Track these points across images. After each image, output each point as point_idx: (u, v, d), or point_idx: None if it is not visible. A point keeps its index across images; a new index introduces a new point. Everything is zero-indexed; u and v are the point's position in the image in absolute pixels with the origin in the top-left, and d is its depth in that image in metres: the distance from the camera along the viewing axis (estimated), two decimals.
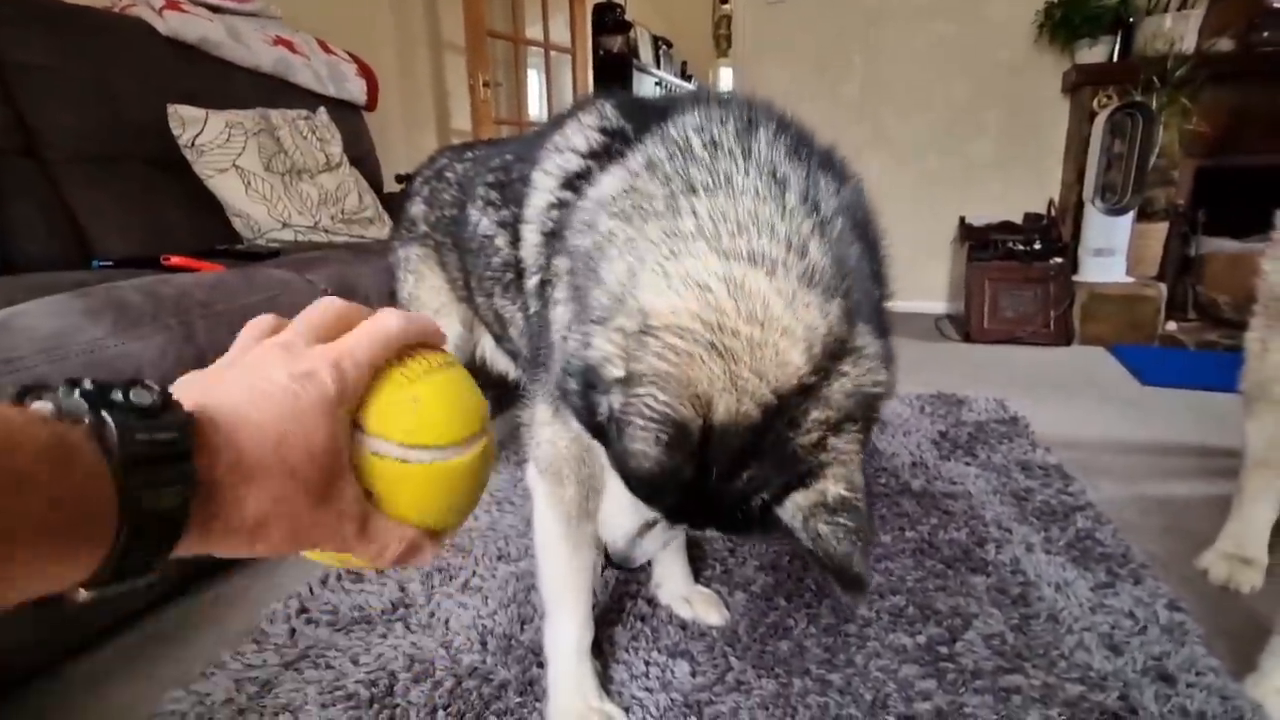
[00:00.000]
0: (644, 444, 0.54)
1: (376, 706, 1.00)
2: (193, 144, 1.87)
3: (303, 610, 1.23)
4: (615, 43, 5.59)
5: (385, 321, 0.39)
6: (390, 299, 1.51)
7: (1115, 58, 3.43)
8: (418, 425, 0.38)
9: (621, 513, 0.71)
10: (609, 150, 0.80)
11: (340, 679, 1.06)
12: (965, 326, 3.45)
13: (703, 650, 1.11)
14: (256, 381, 0.33)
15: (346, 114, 2.63)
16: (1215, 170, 3.43)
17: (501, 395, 1.90)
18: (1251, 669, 1.04)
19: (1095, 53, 3.43)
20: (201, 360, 1.23)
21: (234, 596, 1.33)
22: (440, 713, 0.98)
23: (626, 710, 0.99)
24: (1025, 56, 3.67)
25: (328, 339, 0.37)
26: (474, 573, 1.34)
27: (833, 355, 0.56)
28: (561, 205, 0.84)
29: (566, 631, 0.98)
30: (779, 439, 0.55)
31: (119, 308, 1.11)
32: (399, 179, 2.84)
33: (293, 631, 1.17)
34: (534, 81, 4.52)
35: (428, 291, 1.38)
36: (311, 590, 1.29)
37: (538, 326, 0.90)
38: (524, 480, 1.76)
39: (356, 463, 0.37)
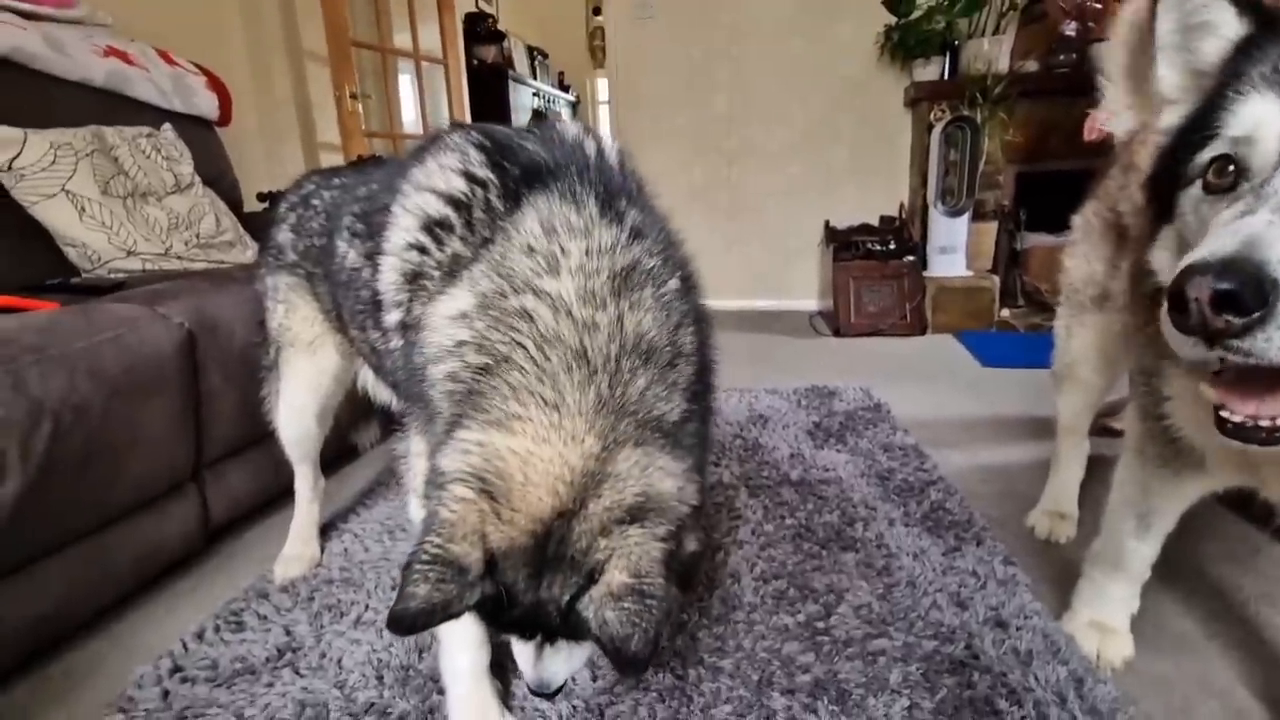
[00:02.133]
0: (419, 587, 0.62)
1: None
2: (9, 167, 1.67)
3: (176, 669, 1.15)
4: (489, 53, 5.53)
5: None
6: (259, 328, 1.43)
7: (946, 76, 3.84)
8: None
9: (514, 643, 0.81)
10: (470, 204, 0.82)
11: None
12: (835, 321, 3.73)
13: (598, 653, 1.15)
14: None
15: (197, 130, 2.45)
16: (1031, 174, 3.92)
17: (384, 423, 1.86)
18: (1067, 608, 1.22)
19: (929, 71, 3.83)
20: (38, 412, 1.12)
21: (91, 666, 1.22)
22: None
23: None
24: (871, 73, 4.03)
25: None
26: (366, 606, 1.31)
27: (585, 487, 0.67)
28: (421, 249, 0.85)
29: (461, 656, 0.99)
30: (557, 552, 0.66)
31: None
32: (261, 197, 2.68)
33: (165, 694, 1.09)
34: (406, 92, 4.39)
35: (300, 322, 1.33)
36: (185, 646, 1.20)
37: (406, 359, 0.91)
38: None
39: None
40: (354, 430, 1.79)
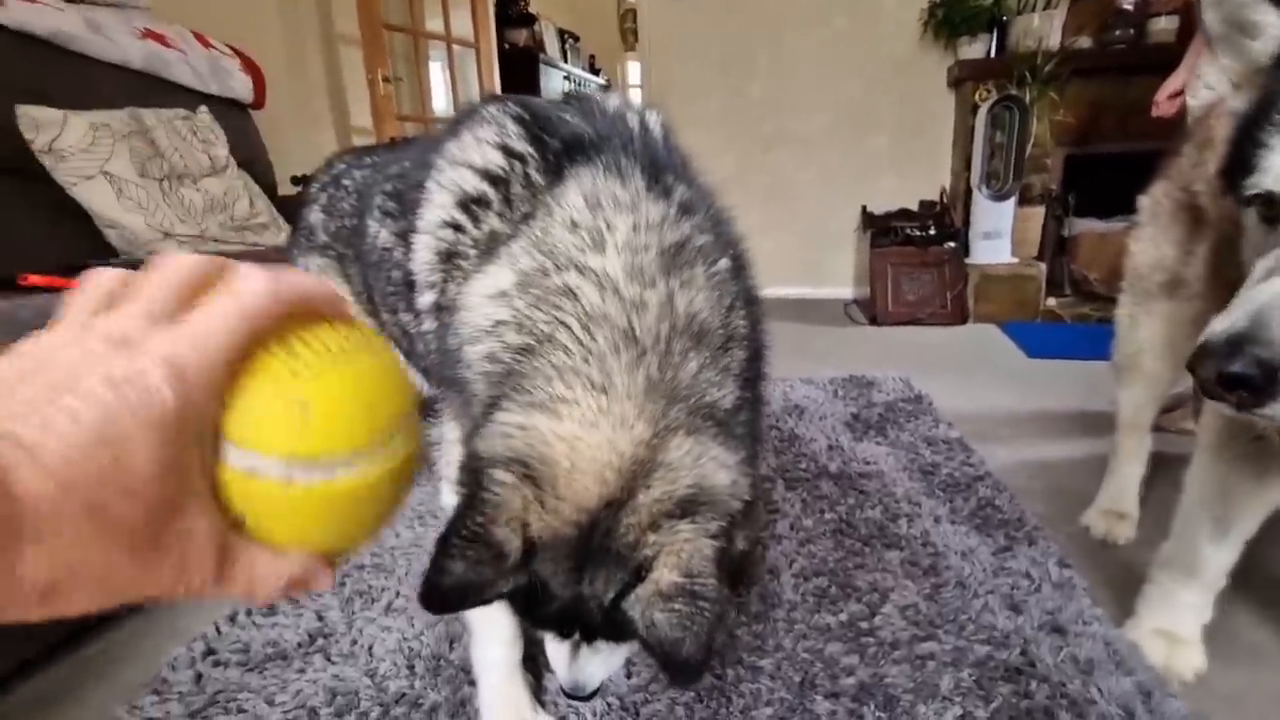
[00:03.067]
0: (455, 563, 0.58)
1: None
2: (50, 149, 1.69)
3: (209, 652, 1.14)
4: (520, 36, 5.49)
5: (249, 288, 0.30)
6: None
7: (992, 54, 3.68)
8: (307, 436, 0.30)
9: (550, 646, 0.79)
10: (508, 179, 0.78)
11: None
12: (871, 310, 3.62)
13: (637, 652, 1.12)
14: (58, 394, 0.25)
15: (232, 113, 2.45)
16: (1082, 157, 3.75)
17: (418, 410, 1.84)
18: (1129, 615, 1.15)
19: (975, 49, 3.67)
20: None
21: (128, 646, 1.22)
22: None
23: None
24: (913, 53, 3.88)
25: (186, 311, 0.29)
26: (398, 593, 1.30)
27: (634, 476, 0.62)
28: (456, 227, 0.81)
29: (494, 649, 0.96)
30: (602, 545, 0.61)
31: None
32: (295, 180, 2.68)
33: (199, 677, 1.09)
34: (438, 76, 4.38)
35: None
36: (219, 629, 1.20)
37: (437, 344, 0.88)
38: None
39: (219, 482, 0.29)
40: None
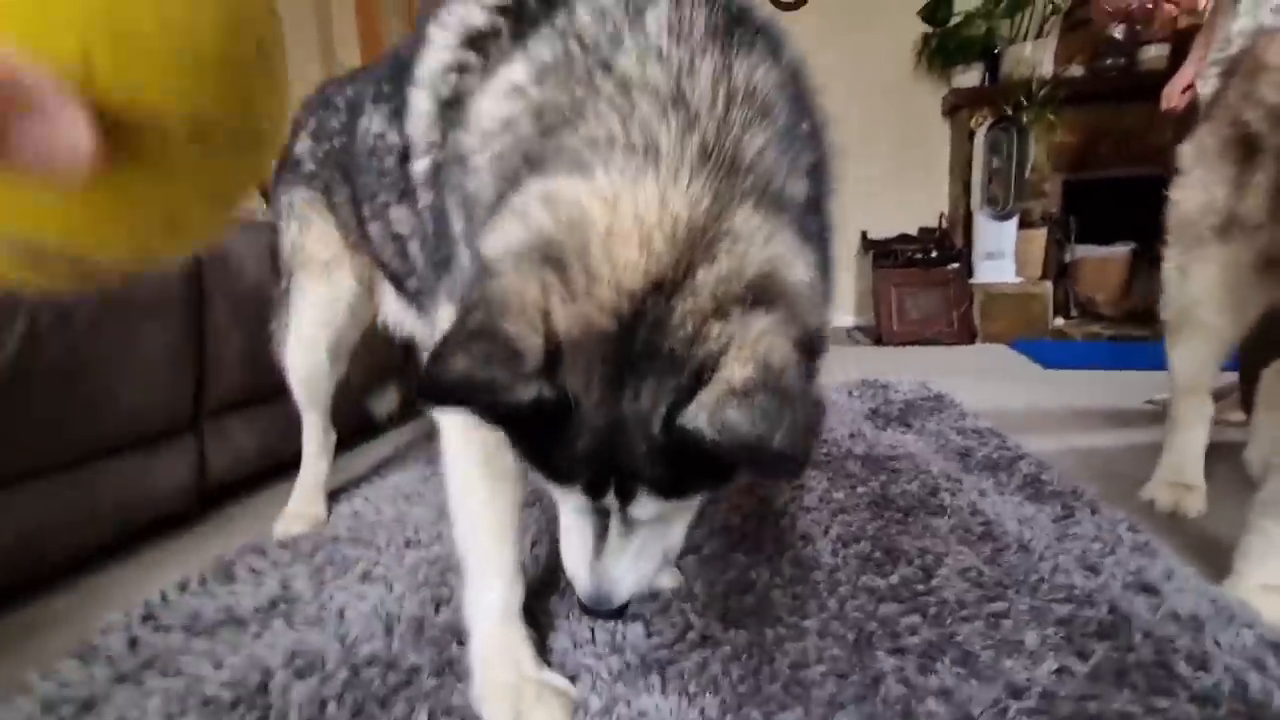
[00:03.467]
0: (458, 359, 0.46)
1: (242, 708, 0.76)
2: None
3: (149, 618, 0.96)
4: None
5: None
6: (271, 258, 1.29)
7: (986, 82, 3.75)
8: None
9: (567, 531, 0.64)
10: (521, 6, 0.68)
11: (195, 685, 0.81)
12: (876, 331, 3.54)
13: (657, 612, 0.95)
14: None
15: None
16: (1079, 183, 3.77)
17: (404, 394, 1.69)
18: (1220, 579, 1.00)
19: (969, 78, 3.74)
20: (10, 308, 0.97)
21: (56, 617, 1.04)
22: (331, 705, 0.76)
23: (573, 679, 0.80)
24: (907, 83, 3.95)
25: None
26: (376, 563, 1.12)
27: (691, 245, 0.49)
28: (461, 69, 0.72)
29: (491, 590, 0.80)
30: (649, 344, 0.48)
31: None
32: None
33: (133, 641, 0.91)
34: None
35: (315, 241, 1.19)
36: (164, 597, 1.02)
37: (433, 220, 0.76)
38: (434, 469, 1.56)
39: None
40: (370, 395, 1.63)
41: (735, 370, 0.46)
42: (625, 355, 0.48)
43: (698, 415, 0.46)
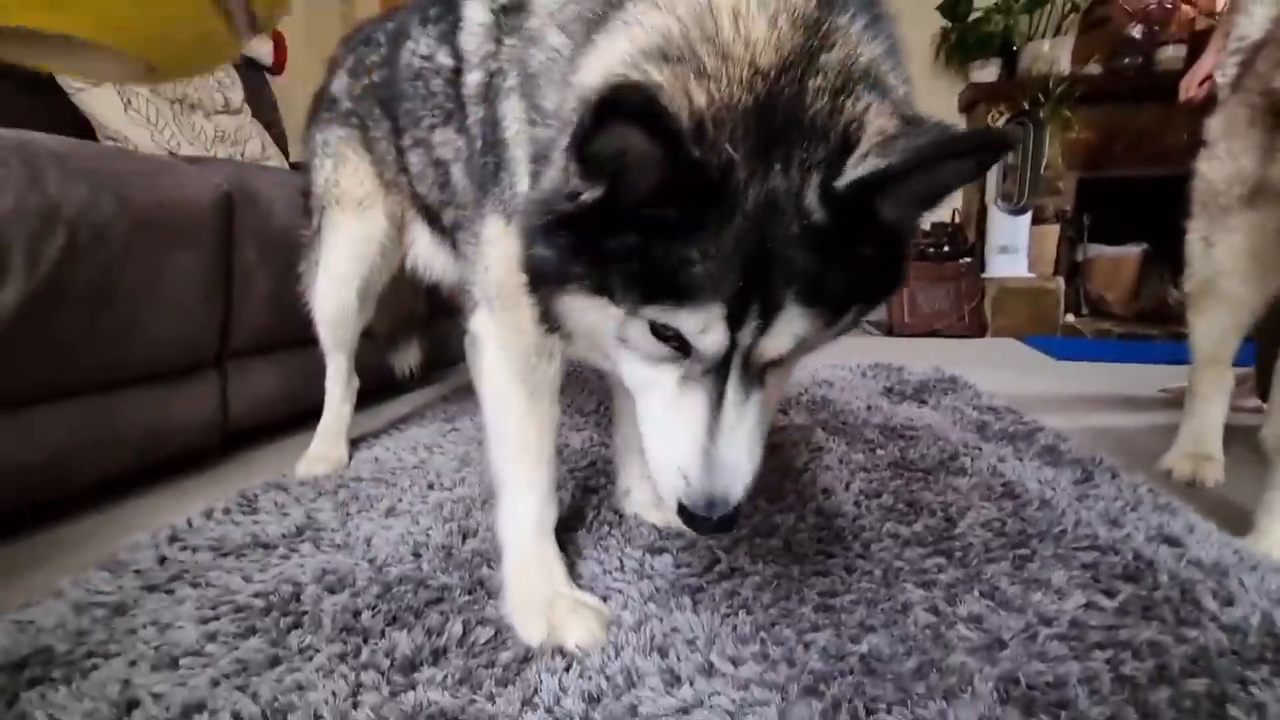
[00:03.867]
0: (612, 133, 0.44)
1: (276, 614, 0.77)
2: None
3: (175, 539, 0.97)
4: None
5: None
6: (302, 200, 1.30)
7: (1003, 79, 3.75)
8: None
9: (661, 421, 0.57)
10: None
11: (226, 595, 0.81)
12: (887, 322, 3.54)
13: (683, 548, 0.95)
14: None
15: (250, 74, 2.40)
16: (1093, 182, 3.77)
17: (426, 351, 1.70)
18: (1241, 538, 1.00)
19: (986, 73, 3.74)
20: (53, 216, 0.98)
21: (80, 538, 1.04)
22: (365, 614, 0.77)
23: (604, 599, 0.81)
24: (925, 78, 3.95)
25: None
26: (400, 500, 1.13)
27: (812, 31, 0.51)
28: None
29: (526, 505, 0.80)
30: (790, 117, 0.49)
31: None
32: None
33: (162, 559, 0.91)
34: None
35: (349, 177, 1.20)
36: (190, 523, 1.02)
37: (485, 131, 0.77)
38: (454, 426, 1.57)
39: None
40: (393, 350, 1.64)
41: (883, 123, 0.48)
42: (768, 128, 0.48)
43: (856, 167, 0.47)
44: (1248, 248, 1.25)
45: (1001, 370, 2.53)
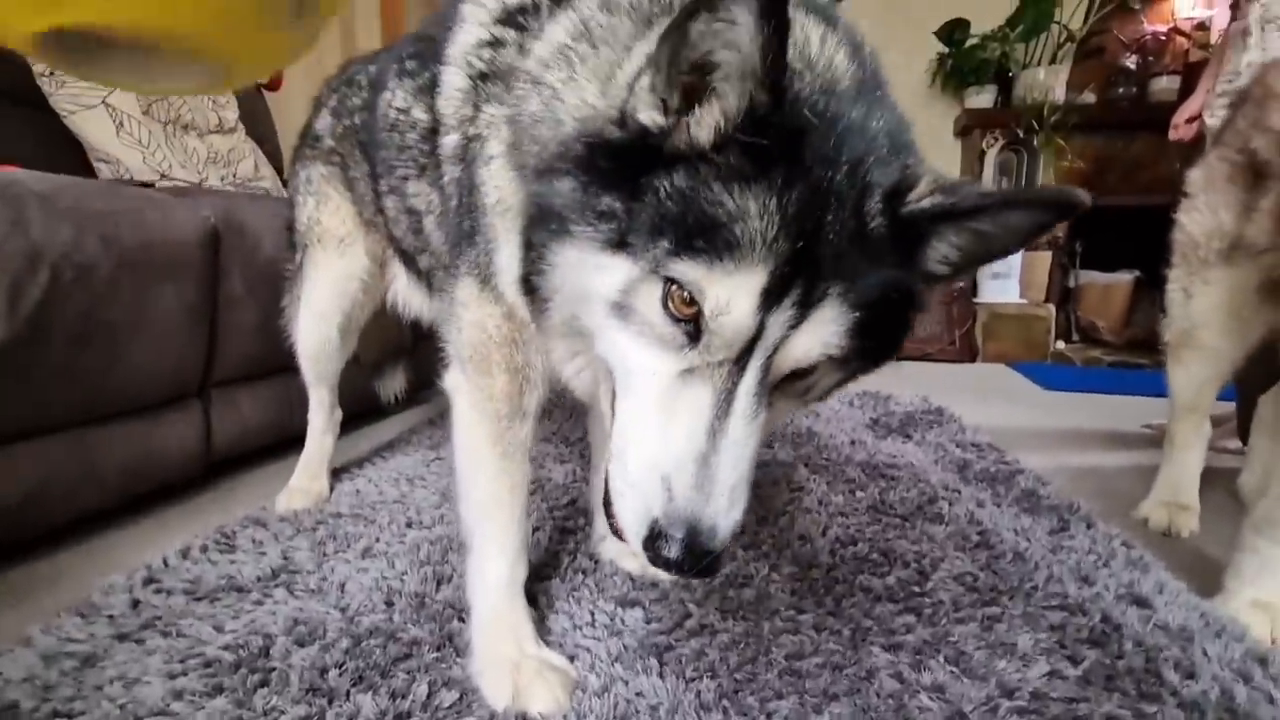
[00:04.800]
0: (715, 22, 0.43)
1: (244, 670, 0.77)
2: (50, 71, 1.61)
3: (151, 580, 0.97)
4: None
5: None
6: (287, 233, 1.31)
7: (998, 105, 3.78)
8: None
9: (662, 416, 0.48)
10: None
11: (196, 647, 0.82)
12: None
13: (655, 600, 0.96)
14: None
15: (245, 91, 2.41)
16: (1087, 209, 3.80)
17: (411, 376, 1.70)
18: (1210, 597, 1.01)
19: (982, 99, 3.77)
20: (36, 259, 0.99)
21: (56, 575, 1.04)
22: (332, 672, 0.77)
23: (572, 659, 0.81)
24: (921, 103, 3.98)
25: None
26: (377, 539, 1.13)
27: (875, 84, 0.56)
28: (496, 44, 0.73)
29: (495, 564, 0.81)
30: (860, 131, 0.51)
31: None
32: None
33: (135, 603, 0.92)
34: None
35: (331, 216, 1.21)
36: (166, 562, 1.03)
37: (460, 194, 0.77)
38: (438, 454, 1.57)
39: None
40: (378, 377, 1.64)
41: (934, 176, 0.52)
42: (843, 131, 0.48)
43: (920, 201, 0.48)
44: (1225, 302, 1.26)
45: (989, 401, 2.55)
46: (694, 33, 0.43)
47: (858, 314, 0.47)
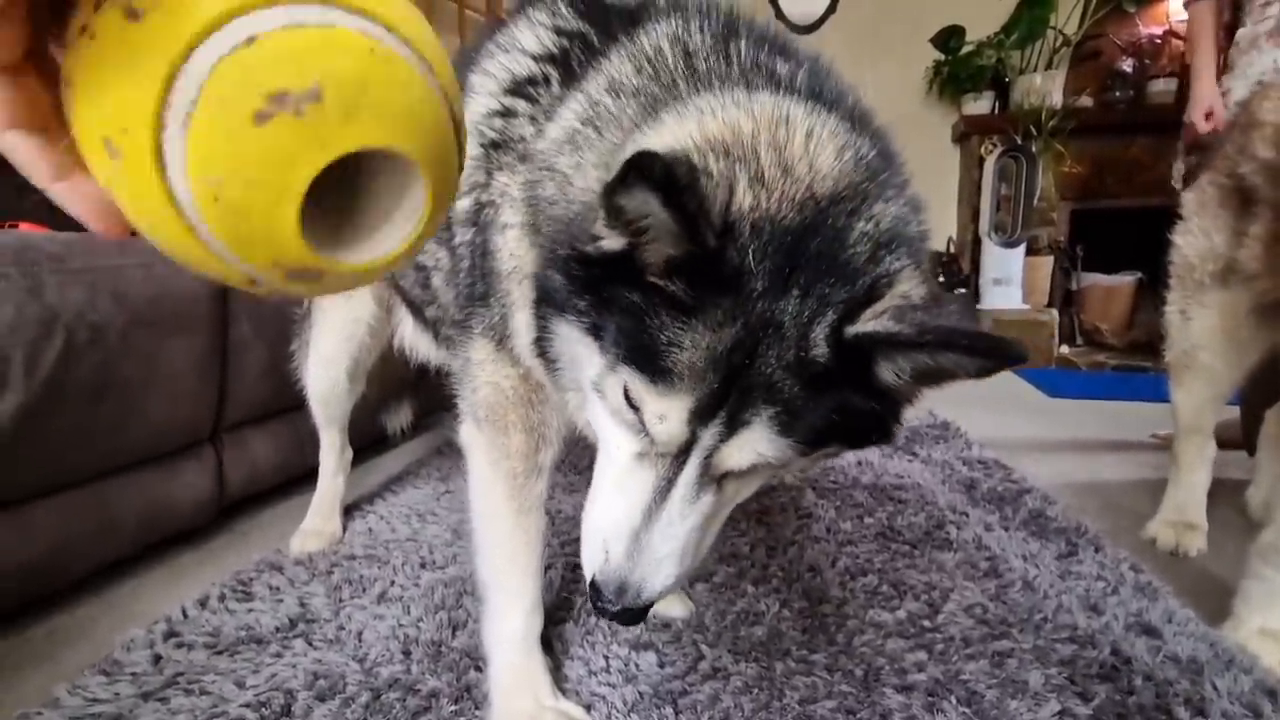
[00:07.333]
0: (638, 192, 0.45)
1: None
2: None
3: (172, 634, 0.99)
4: None
5: None
6: None
7: (996, 111, 3.79)
8: None
9: (606, 490, 0.57)
10: (567, 58, 0.72)
11: (219, 705, 0.83)
12: None
13: (668, 641, 0.97)
14: None
15: None
16: (1086, 213, 3.81)
17: (418, 408, 1.72)
18: (1219, 621, 1.02)
19: (979, 105, 3.78)
20: (52, 323, 1.01)
21: (78, 629, 1.06)
22: None
23: (588, 708, 0.82)
24: (918, 110, 3.99)
25: None
26: (392, 582, 1.14)
27: (870, 176, 0.53)
28: (507, 114, 0.75)
29: (512, 618, 0.82)
30: (826, 251, 0.49)
31: None
32: None
33: (157, 659, 0.93)
34: None
35: None
36: (185, 613, 1.04)
37: (473, 256, 0.79)
38: (447, 487, 1.59)
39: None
40: (385, 411, 1.66)
41: (912, 289, 0.49)
42: (802, 253, 0.48)
43: (869, 322, 0.48)
44: (1222, 325, 1.27)
45: (994, 411, 2.55)
46: (618, 201, 0.46)
47: (791, 437, 0.51)
